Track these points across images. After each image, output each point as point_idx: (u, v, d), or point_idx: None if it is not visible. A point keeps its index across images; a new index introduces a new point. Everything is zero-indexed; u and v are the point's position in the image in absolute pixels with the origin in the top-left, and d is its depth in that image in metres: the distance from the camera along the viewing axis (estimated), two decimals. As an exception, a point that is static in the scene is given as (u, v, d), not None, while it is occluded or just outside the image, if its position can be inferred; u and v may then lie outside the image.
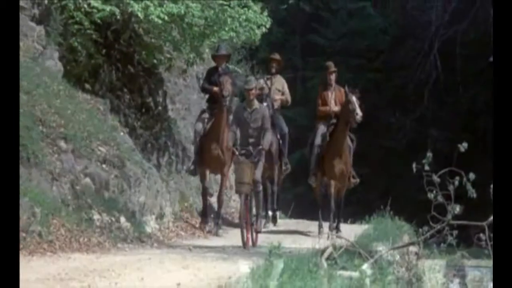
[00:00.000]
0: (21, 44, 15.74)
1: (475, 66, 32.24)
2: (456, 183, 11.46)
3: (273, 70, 19.38)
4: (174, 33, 18.74)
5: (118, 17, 17.50)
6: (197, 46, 19.48)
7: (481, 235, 11.70)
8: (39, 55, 16.45)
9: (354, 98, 17.37)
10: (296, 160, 30.05)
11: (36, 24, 17.02)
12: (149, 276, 10.15)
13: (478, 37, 32.06)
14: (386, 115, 33.89)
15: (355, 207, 24.91)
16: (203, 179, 17.96)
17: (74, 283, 9.17)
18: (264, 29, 20.06)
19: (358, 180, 18.99)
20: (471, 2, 32.67)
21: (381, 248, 12.75)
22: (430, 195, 11.77)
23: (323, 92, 18.69)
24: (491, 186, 10.73)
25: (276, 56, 19.96)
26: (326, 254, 11.66)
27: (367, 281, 8.27)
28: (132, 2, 17.22)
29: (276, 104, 19.13)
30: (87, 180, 14.64)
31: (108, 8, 17.23)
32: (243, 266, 10.36)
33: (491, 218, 11.32)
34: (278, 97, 19.20)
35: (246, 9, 19.64)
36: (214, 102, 18.03)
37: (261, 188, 16.39)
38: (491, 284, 14.43)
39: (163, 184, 17.42)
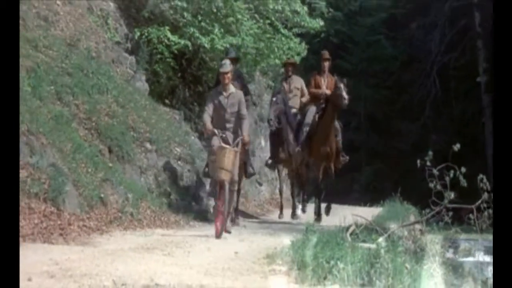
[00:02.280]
0: (117, 69, 15.92)
1: (465, 85, 32.15)
2: (451, 175, 11.45)
3: (290, 73, 16.49)
4: (233, 60, 18.78)
5: (190, 48, 17.61)
6: (251, 70, 19.52)
7: (470, 215, 11.69)
8: (131, 78, 16.57)
9: (342, 85, 14.77)
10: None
11: (129, 55, 17.16)
12: (213, 247, 10.18)
13: (467, 62, 31.95)
14: (396, 123, 33.80)
15: (372, 194, 24.85)
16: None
17: (157, 251, 9.22)
18: (301, 56, 20.06)
19: (347, 158, 16.27)
20: (461, 36, 32.58)
21: (393, 226, 12.69)
22: (431, 185, 11.76)
23: (316, 76, 16.17)
24: (479, 177, 10.80)
25: (291, 60, 17.73)
26: (350, 230, 11.61)
27: (382, 251, 8.26)
28: (200, 36, 17.31)
29: (295, 104, 16.28)
30: (167, 173, 14.73)
31: (182, 41, 17.33)
32: (286, 240, 10.37)
33: (479, 202, 11.34)
34: (304, 99, 16.32)
35: (288, 40, 19.67)
36: None
37: (236, 187, 12.81)
38: (478, 253, 14.46)
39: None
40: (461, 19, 32.78)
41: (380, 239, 10.74)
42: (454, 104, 32.48)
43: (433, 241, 12.20)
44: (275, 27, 19.68)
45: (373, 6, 35.56)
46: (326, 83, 15.90)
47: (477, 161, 24.53)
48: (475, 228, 11.90)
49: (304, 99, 16.39)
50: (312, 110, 15.92)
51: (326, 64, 16.17)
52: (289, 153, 15.88)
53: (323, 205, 16.44)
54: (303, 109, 16.41)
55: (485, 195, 11.07)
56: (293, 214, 16.42)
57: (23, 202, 9.56)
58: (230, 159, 11.85)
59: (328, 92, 15.60)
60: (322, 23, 20.86)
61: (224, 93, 12.56)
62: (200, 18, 17.77)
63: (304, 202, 17.13)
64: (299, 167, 16.65)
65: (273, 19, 19.47)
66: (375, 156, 33.55)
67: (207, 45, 17.25)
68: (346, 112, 34.48)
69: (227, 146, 12.03)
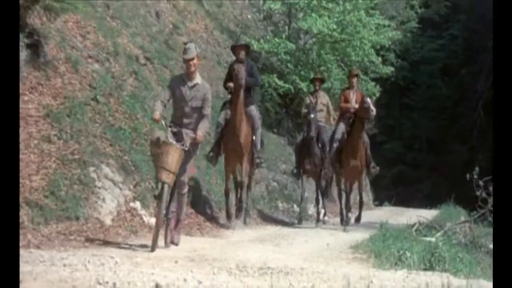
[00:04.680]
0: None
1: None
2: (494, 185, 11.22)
3: (317, 88, 13.51)
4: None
5: (292, 90, 17.71)
6: (337, 107, 19.50)
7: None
8: (248, 113, 16.79)
9: (368, 99, 11.93)
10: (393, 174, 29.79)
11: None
12: (310, 239, 10.15)
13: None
14: (450, 145, 33.20)
15: (431, 200, 24.28)
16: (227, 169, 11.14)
17: (268, 242, 9.25)
18: (376, 96, 19.88)
19: (378, 169, 12.75)
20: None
21: (448, 224, 12.47)
22: (477, 193, 11.53)
23: (346, 92, 13.21)
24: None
25: (318, 75, 14.86)
26: (414, 227, 11.45)
27: (440, 243, 8.10)
28: (300, 81, 17.40)
29: (321, 118, 13.22)
30: (275, 184, 14.76)
31: (286, 85, 17.46)
32: (365, 234, 10.28)
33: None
34: (330, 117, 13.58)
35: (366, 83, 19.58)
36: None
37: (186, 190, 8.03)
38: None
39: (318, 186, 17.40)
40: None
41: (438, 234, 10.56)
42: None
43: (480, 236, 11.94)
44: (356, 74, 19.67)
45: (432, 56, 35.31)
46: (355, 98, 12.89)
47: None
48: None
49: (330, 117, 13.62)
50: (341, 127, 12.89)
51: (354, 80, 13.22)
52: (315, 165, 12.91)
53: (353, 215, 13.09)
54: (333, 125, 13.57)
55: (521, 201, 10.76)
56: (317, 220, 13.29)
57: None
58: (174, 158, 7.49)
59: (356, 106, 12.50)
60: (392, 69, 20.73)
61: (188, 83, 7.95)
62: (299, 68, 17.88)
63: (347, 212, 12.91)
64: (328, 180, 13.79)
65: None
66: (433, 171, 33.06)
67: (305, 89, 17.27)
68: (410, 137, 34.52)
69: (173, 142, 7.61)
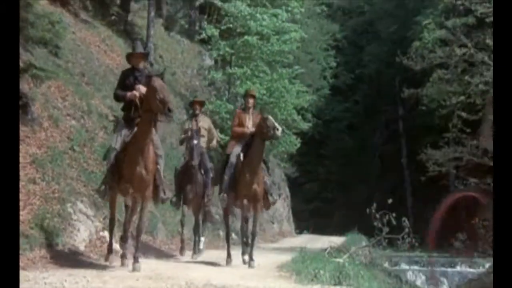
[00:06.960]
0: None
1: (394, 164, 32.38)
2: (387, 218, 11.59)
3: (197, 111, 9.85)
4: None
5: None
6: (266, 154, 19.71)
7: (398, 241, 11.83)
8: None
9: (270, 116, 8.41)
10: (311, 209, 29.75)
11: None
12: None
13: (396, 151, 32.48)
14: (355, 186, 33.87)
15: (340, 229, 24.67)
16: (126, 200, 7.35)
17: (211, 264, 9.19)
18: (297, 147, 20.12)
19: (276, 199, 9.64)
20: (392, 135, 33.72)
21: (353, 248, 12.73)
22: (375, 223, 11.90)
23: (240, 114, 9.19)
24: (402, 219, 10.94)
25: (199, 98, 10.99)
26: (327, 251, 11.66)
27: (346, 263, 8.30)
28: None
29: (203, 143, 9.67)
30: (217, 216, 14.68)
31: (227, 138, 17.43)
32: (288, 257, 10.34)
33: (402, 233, 11.51)
34: (214, 142, 10.10)
35: (288, 136, 19.86)
36: (135, 110, 7.27)
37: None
38: (402, 264, 14.44)
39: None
40: (392, 125, 33.97)
41: (345, 256, 10.77)
42: (388, 175, 32.92)
43: (376, 257, 12.22)
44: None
45: (340, 116, 36.43)
46: (251, 121, 9.01)
47: (401, 209, 24.38)
48: (401, 249, 12.08)
49: (214, 139, 10.14)
50: (236, 149, 8.84)
51: (251, 101, 9.18)
52: (197, 193, 9.67)
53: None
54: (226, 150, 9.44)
55: (406, 230, 11.18)
56: (194, 252, 9.94)
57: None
58: None
59: (253, 129, 8.78)
60: (310, 125, 21.27)
61: None
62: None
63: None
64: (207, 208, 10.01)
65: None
66: (342, 206, 33.62)
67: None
68: (325, 179, 35.12)
69: None
